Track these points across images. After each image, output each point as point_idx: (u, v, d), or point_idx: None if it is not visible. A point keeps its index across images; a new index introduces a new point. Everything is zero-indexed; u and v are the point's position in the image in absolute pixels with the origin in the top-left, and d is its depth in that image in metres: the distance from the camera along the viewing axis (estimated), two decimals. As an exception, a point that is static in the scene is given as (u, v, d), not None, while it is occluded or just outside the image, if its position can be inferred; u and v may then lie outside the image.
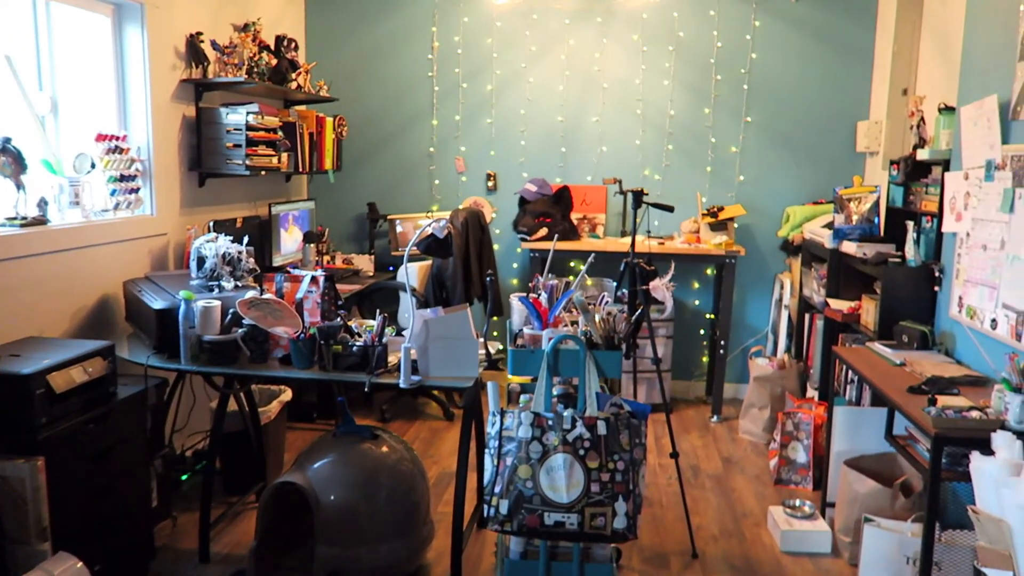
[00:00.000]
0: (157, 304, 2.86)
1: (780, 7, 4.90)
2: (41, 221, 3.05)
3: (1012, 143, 2.78)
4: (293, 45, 4.52)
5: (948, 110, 3.36)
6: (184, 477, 3.68)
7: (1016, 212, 2.71)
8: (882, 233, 3.87)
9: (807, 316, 4.55)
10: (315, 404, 4.63)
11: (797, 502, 3.44)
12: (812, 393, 4.31)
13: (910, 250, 3.48)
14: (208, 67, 3.95)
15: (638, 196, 3.50)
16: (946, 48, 3.71)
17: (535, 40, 5.11)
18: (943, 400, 2.50)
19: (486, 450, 2.40)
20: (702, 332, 5.27)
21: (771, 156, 5.05)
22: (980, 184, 2.96)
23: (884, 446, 3.21)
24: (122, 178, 3.50)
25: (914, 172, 3.66)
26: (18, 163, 2.93)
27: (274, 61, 4.32)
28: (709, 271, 5.20)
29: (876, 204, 3.87)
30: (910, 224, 3.53)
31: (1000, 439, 1.94)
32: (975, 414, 2.34)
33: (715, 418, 4.82)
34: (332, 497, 2.68)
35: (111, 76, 3.57)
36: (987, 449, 2.03)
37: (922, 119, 3.66)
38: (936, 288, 3.36)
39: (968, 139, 3.07)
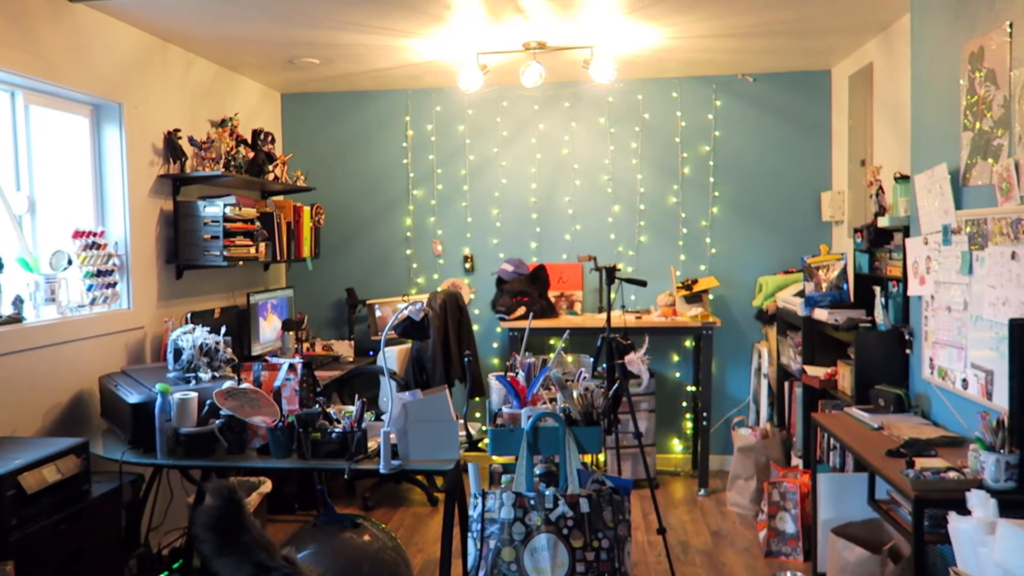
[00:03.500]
0: (133, 398, 2.84)
1: (739, 87, 5.12)
2: (16, 319, 3.05)
3: (965, 208, 2.89)
4: (270, 138, 4.64)
5: (903, 179, 3.49)
6: (160, 577, 3.57)
7: (975, 274, 2.80)
8: (852, 299, 3.95)
9: (786, 384, 4.58)
10: (296, 494, 4.54)
11: (788, 574, 3.39)
12: (797, 461, 4.30)
13: (879, 314, 3.55)
14: (186, 162, 4.03)
15: (611, 272, 3.57)
16: (897, 120, 3.89)
17: (506, 125, 5.28)
18: (921, 462, 2.51)
19: (469, 533, 2.37)
20: (684, 404, 5.27)
21: (740, 228, 5.17)
22: (939, 248, 3.06)
23: (870, 512, 3.19)
24: (99, 273, 3.52)
25: (877, 239, 3.77)
26: (-6, 262, 2.95)
27: (251, 154, 4.42)
28: (688, 343, 5.24)
29: (844, 271, 3.96)
30: (877, 289, 3.61)
31: (975, 498, 1.95)
32: (952, 475, 2.35)
33: (702, 491, 4.78)
34: (313, 590, 2.61)
35: (89, 174, 3.64)
36: (966, 509, 2.04)
37: (880, 188, 3.79)
38: (907, 351, 3.42)
39: (923, 206, 3.18)
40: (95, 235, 3.52)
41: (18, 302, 3.09)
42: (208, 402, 2.80)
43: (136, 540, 3.24)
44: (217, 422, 2.75)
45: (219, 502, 1.85)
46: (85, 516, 2.63)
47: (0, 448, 2.58)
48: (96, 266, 3.50)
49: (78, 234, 3.45)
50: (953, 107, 2.97)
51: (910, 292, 3.34)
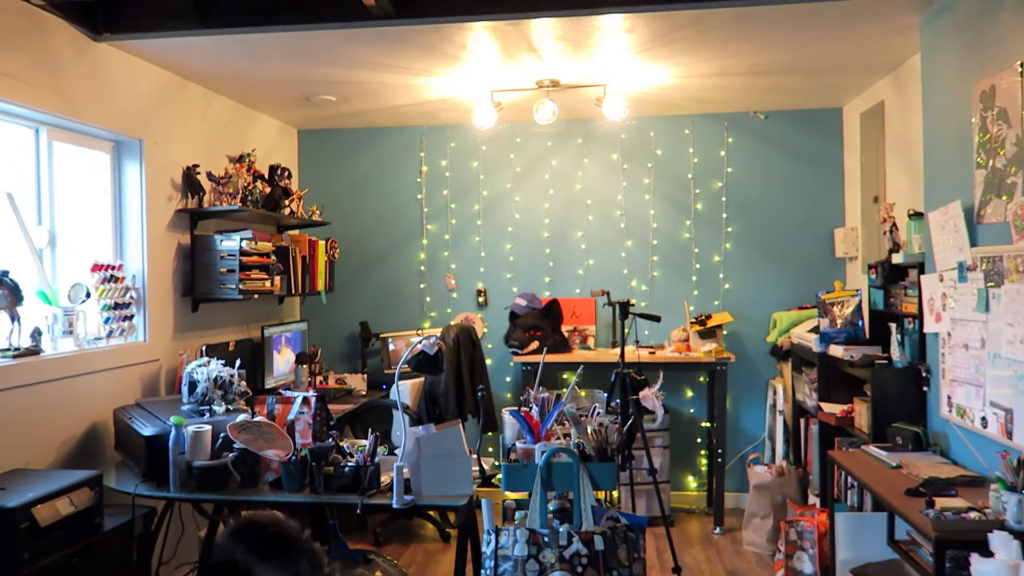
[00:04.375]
0: (147, 431, 2.85)
1: (751, 124, 5.16)
2: (34, 351, 3.08)
3: (980, 245, 2.88)
4: (286, 173, 4.70)
5: (917, 215, 3.49)
6: (170, 612, 3.54)
7: (992, 311, 2.78)
8: (867, 335, 3.93)
9: (802, 421, 4.53)
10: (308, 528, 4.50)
11: (806, 616, 3.32)
12: (814, 500, 4.24)
13: (895, 351, 3.52)
14: (204, 197, 4.09)
15: (624, 307, 3.57)
16: (909, 157, 3.90)
17: (519, 161, 5.33)
18: (941, 502, 2.47)
19: (482, 570, 2.35)
20: (699, 441, 5.22)
21: (754, 264, 5.17)
22: (955, 285, 3.04)
23: (890, 552, 3.14)
24: (116, 306, 3.56)
25: (892, 275, 3.75)
26: (14, 295, 2.98)
27: (268, 189, 4.48)
28: (702, 379, 5.21)
29: (859, 307, 3.94)
30: (893, 326, 3.59)
31: (997, 540, 1.92)
32: (974, 515, 2.31)
33: (718, 530, 4.71)
34: (323, 628, 2.58)
35: (109, 208, 3.69)
36: (988, 551, 2.00)
37: (894, 224, 3.78)
38: (924, 388, 3.38)
39: (938, 243, 3.17)
40: (113, 268, 3.56)
41: (36, 334, 3.12)
42: (222, 435, 2.80)
43: (146, 574, 3.22)
44: (230, 455, 2.75)
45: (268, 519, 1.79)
46: (97, 549, 2.63)
47: (14, 480, 2.59)
48: (113, 299, 3.54)
49: (97, 267, 3.49)
50: (966, 145, 2.98)
51: (926, 329, 3.32)
